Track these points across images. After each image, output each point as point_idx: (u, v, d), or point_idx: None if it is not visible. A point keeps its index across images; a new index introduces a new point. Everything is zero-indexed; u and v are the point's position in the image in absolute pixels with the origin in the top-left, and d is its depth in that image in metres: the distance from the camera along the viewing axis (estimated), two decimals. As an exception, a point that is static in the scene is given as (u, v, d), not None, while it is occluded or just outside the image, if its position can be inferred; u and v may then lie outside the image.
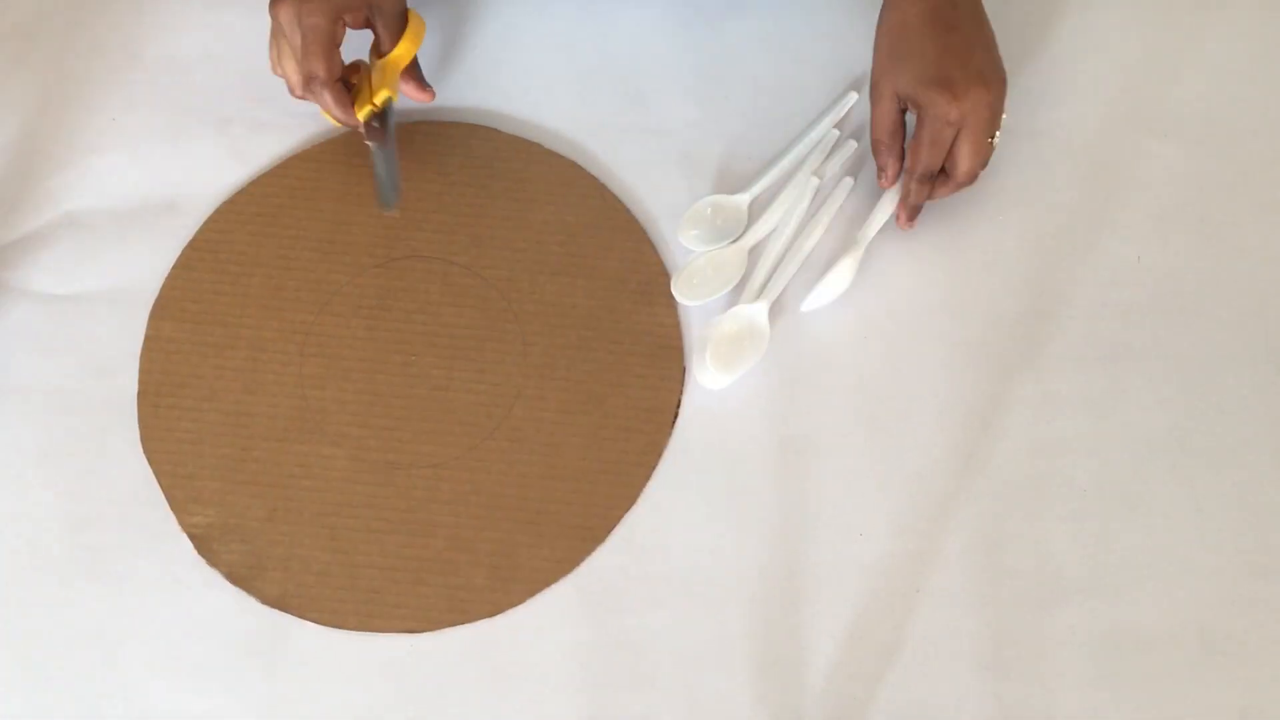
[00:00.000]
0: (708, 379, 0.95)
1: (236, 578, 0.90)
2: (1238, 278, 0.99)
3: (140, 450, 0.94)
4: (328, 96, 0.95)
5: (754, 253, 0.99)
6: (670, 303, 0.97)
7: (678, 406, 0.95)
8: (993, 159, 0.99)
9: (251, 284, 0.98)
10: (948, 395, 0.95)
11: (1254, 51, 1.06)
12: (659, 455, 0.93)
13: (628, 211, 1.01)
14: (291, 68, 0.96)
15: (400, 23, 0.98)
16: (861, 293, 0.97)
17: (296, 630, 0.89)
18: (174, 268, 0.99)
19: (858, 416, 0.94)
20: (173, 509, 0.92)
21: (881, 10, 0.97)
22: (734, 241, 0.99)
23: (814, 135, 1.02)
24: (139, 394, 0.95)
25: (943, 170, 0.97)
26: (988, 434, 0.94)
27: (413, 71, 1.01)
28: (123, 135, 1.04)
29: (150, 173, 1.02)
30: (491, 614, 0.89)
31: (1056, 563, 0.90)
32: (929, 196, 0.97)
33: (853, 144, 1.02)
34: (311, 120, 1.03)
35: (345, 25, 0.95)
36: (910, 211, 0.98)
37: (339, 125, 1.01)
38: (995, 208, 1.00)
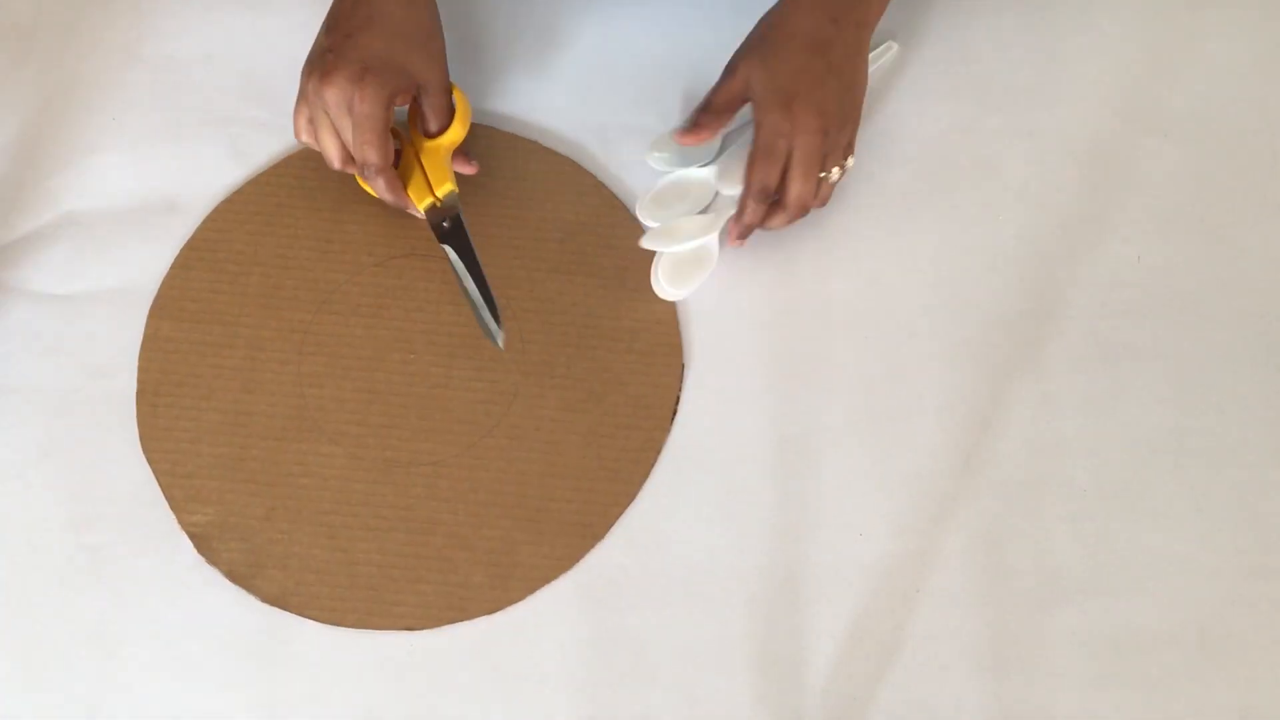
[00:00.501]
0: (660, 291, 0.98)
1: (236, 576, 0.90)
2: (1238, 278, 0.99)
3: (139, 449, 0.94)
4: (381, 183, 0.95)
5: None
6: (669, 300, 0.98)
7: (676, 404, 0.95)
8: (993, 158, 0.99)
9: (250, 283, 0.98)
10: (948, 395, 0.95)
11: (1254, 51, 1.06)
12: (658, 453, 0.93)
13: (626, 209, 1.01)
14: (332, 145, 0.94)
15: (447, 100, 0.97)
16: (862, 292, 0.97)
17: (296, 628, 0.89)
18: (172, 267, 0.99)
19: (858, 416, 0.94)
20: (172, 508, 0.92)
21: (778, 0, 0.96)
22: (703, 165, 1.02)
23: None
24: (138, 393, 0.95)
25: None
26: (988, 434, 0.94)
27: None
28: (122, 135, 1.04)
29: (149, 172, 1.02)
30: (491, 612, 0.89)
31: (1056, 563, 0.90)
32: (762, 222, 0.96)
33: None
34: (311, 120, 1.03)
35: (394, 107, 0.94)
36: (742, 230, 0.96)
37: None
38: (995, 208, 1.00)
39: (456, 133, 0.98)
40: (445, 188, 0.96)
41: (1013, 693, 0.87)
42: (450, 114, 0.97)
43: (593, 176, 1.02)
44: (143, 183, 1.02)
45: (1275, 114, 1.04)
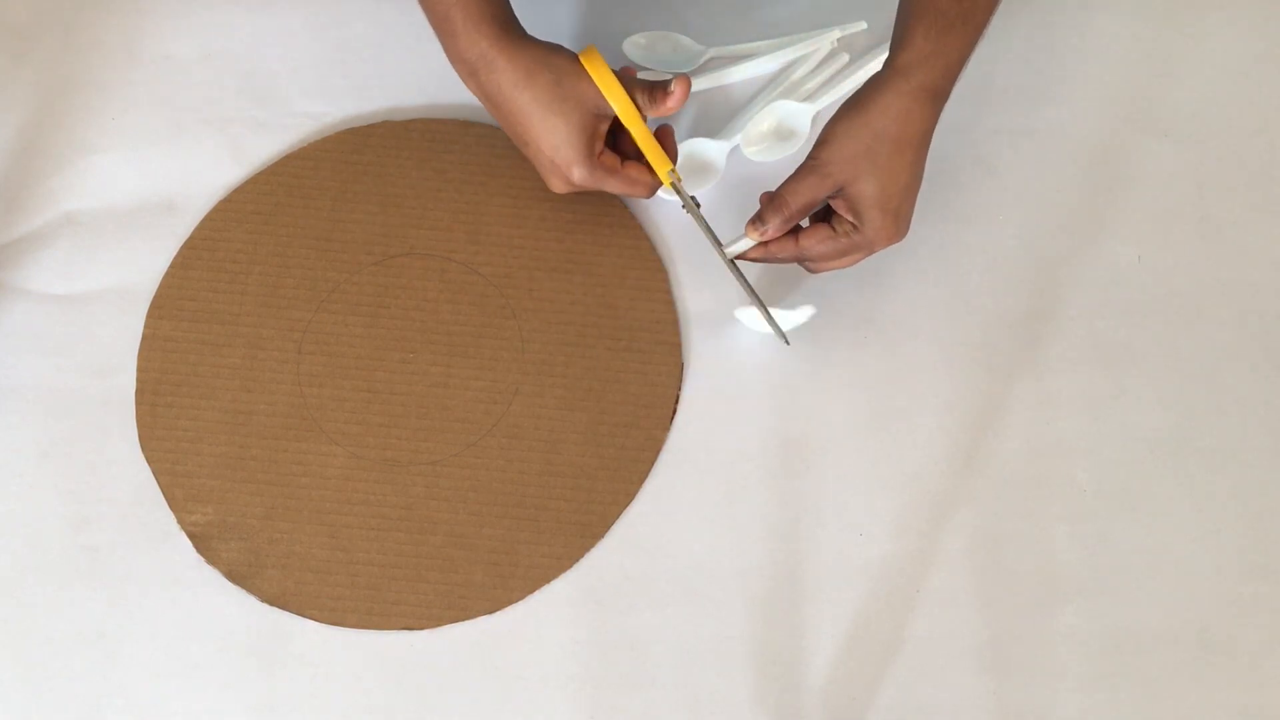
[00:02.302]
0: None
1: (236, 576, 0.90)
2: (1238, 278, 0.99)
3: (139, 449, 0.94)
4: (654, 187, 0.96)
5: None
6: (668, 299, 0.98)
7: (676, 403, 0.95)
8: (993, 158, 0.99)
9: (249, 282, 0.98)
10: (948, 395, 0.95)
11: (1254, 51, 1.06)
12: (657, 452, 0.93)
13: (625, 208, 1.01)
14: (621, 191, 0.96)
15: (624, 105, 0.93)
16: (862, 293, 0.97)
17: (296, 628, 0.89)
18: (171, 266, 0.99)
19: (858, 416, 0.94)
20: (172, 508, 0.92)
21: (878, 85, 0.89)
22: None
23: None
24: (137, 392, 0.95)
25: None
26: (988, 434, 0.94)
27: (646, 100, 0.94)
28: (122, 135, 1.04)
29: (149, 172, 1.02)
30: (491, 611, 0.89)
31: (1056, 563, 0.90)
32: (764, 251, 0.93)
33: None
34: (309, 120, 1.04)
35: (601, 143, 0.93)
36: (761, 250, 0.93)
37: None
38: (995, 208, 1.00)
39: (620, 106, 0.92)
40: (664, 169, 0.94)
41: (1013, 693, 0.87)
42: (633, 95, 0.93)
43: (592, 176, 1.02)
44: (142, 182, 1.02)
45: (1275, 114, 1.04)
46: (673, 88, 0.92)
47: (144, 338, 0.97)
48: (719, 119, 1.04)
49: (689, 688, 0.87)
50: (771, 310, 0.94)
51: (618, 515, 0.92)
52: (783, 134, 1.02)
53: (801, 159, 0.90)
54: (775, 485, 0.92)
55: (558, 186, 0.94)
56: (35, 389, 0.95)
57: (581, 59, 0.92)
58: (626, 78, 0.93)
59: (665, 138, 0.95)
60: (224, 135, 1.03)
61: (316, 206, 1.01)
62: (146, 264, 0.99)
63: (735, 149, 1.02)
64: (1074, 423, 0.94)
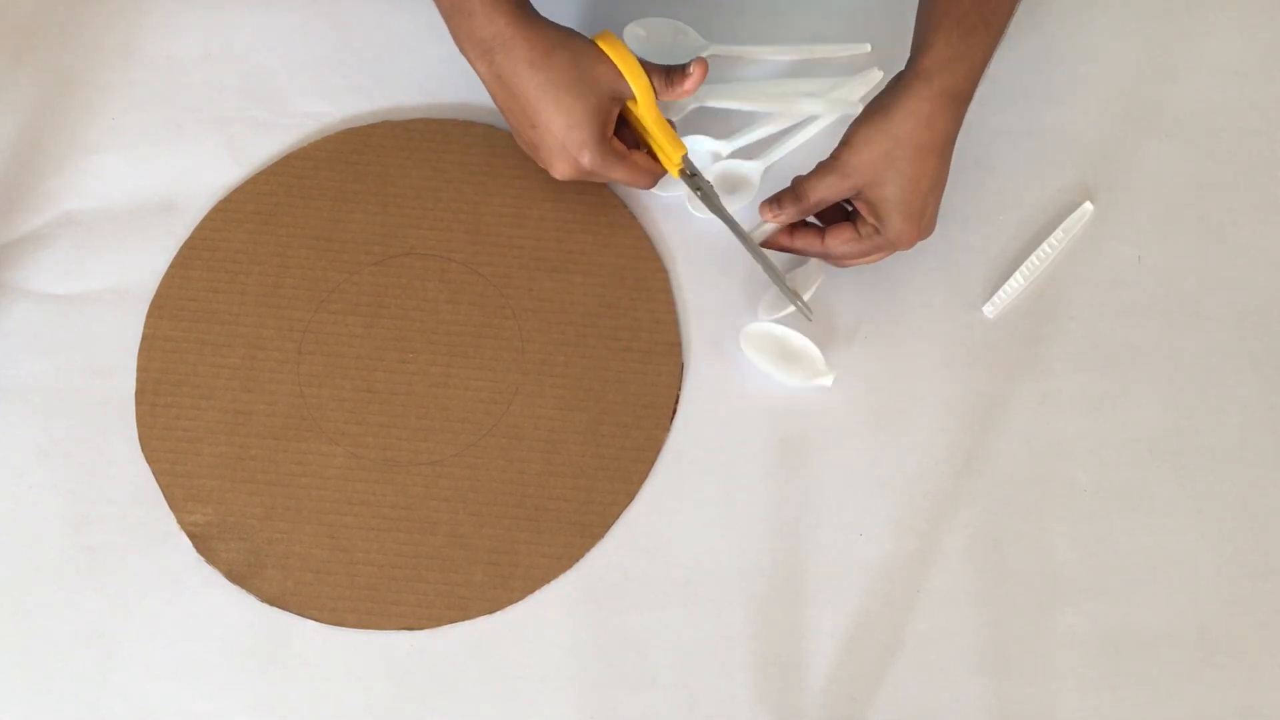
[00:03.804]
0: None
1: (235, 576, 0.90)
2: (1238, 278, 0.99)
3: (139, 449, 0.94)
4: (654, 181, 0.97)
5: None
6: (668, 299, 0.98)
7: (676, 403, 0.95)
8: (993, 159, 0.99)
9: (249, 282, 0.98)
10: (948, 395, 0.95)
11: (1254, 51, 1.06)
12: (657, 451, 0.93)
13: (625, 208, 1.01)
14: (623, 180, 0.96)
15: (640, 81, 0.93)
16: (862, 293, 0.97)
17: (296, 628, 0.89)
18: (171, 266, 0.99)
19: (858, 416, 0.94)
20: (171, 507, 0.92)
21: (900, 89, 0.89)
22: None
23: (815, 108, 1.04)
24: (137, 393, 0.95)
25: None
26: (988, 434, 0.94)
27: (663, 84, 0.95)
28: (122, 135, 1.04)
29: (148, 172, 1.02)
30: (491, 611, 0.89)
31: (1056, 563, 0.90)
32: (789, 241, 0.95)
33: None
34: (309, 119, 1.04)
35: (612, 128, 0.94)
36: (776, 236, 0.95)
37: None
38: (995, 208, 1.00)
39: (639, 90, 0.93)
40: (677, 153, 0.95)
41: (1013, 693, 0.87)
42: (650, 78, 0.93)
43: (593, 176, 1.02)
44: (142, 182, 1.02)
45: (1275, 114, 1.04)
46: (691, 69, 0.93)
47: (144, 338, 0.97)
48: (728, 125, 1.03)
49: (689, 688, 0.87)
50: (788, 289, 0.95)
51: (618, 515, 0.92)
52: (734, 184, 1.01)
53: (751, 211, 0.93)
54: (775, 485, 0.92)
55: (562, 171, 0.94)
56: (35, 389, 0.95)
57: (599, 41, 0.92)
58: (643, 62, 0.93)
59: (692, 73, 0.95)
60: (224, 135, 1.03)
61: (316, 206, 1.01)
62: (146, 264, 0.99)
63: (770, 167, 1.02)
64: (1074, 423, 0.94)
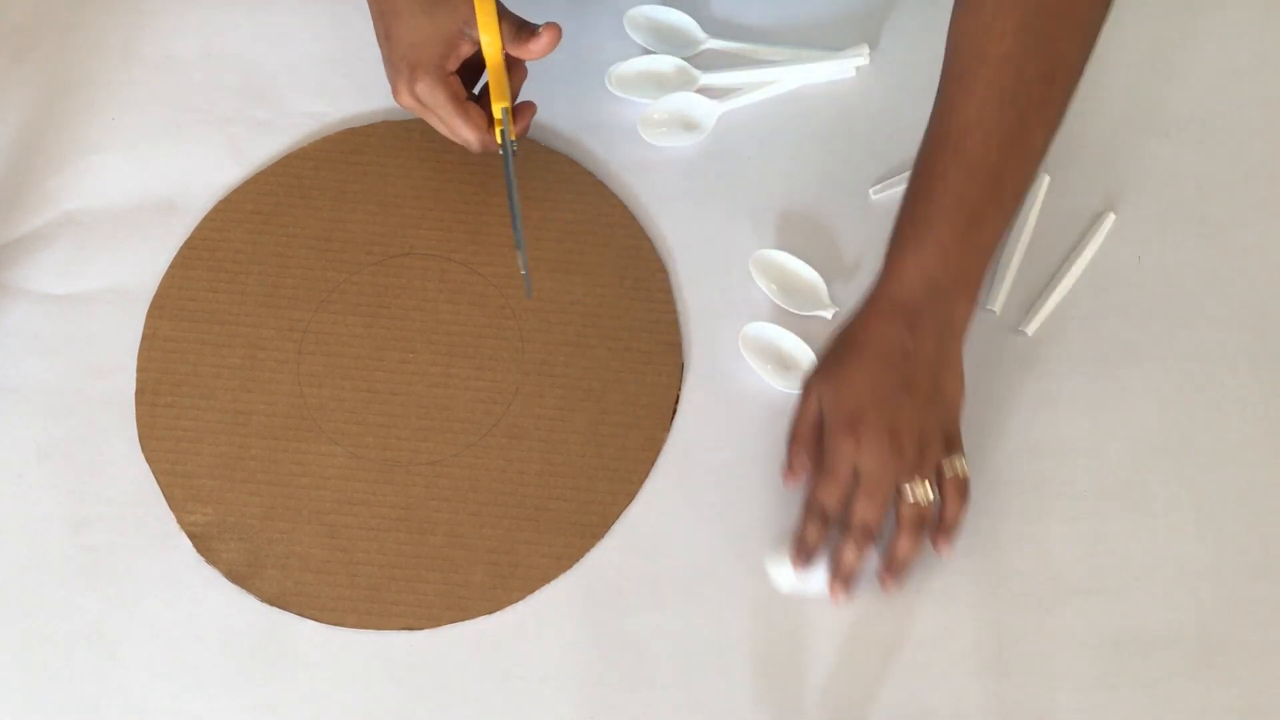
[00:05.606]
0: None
1: (235, 576, 0.90)
2: (1238, 278, 0.99)
3: (139, 449, 0.94)
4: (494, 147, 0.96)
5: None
6: (668, 299, 0.98)
7: (676, 402, 0.95)
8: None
9: (249, 282, 0.98)
10: (947, 395, 0.95)
11: (1254, 51, 1.06)
12: (658, 451, 0.93)
13: (625, 208, 1.01)
14: (449, 134, 0.97)
15: (491, 30, 0.92)
16: (861, 292, 0.97)
17: (295, 628, 0.89)
18: (171, 266, 0.99)
19: (857, 416, 0.94)
20: (171, 507, 0.92)
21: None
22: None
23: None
24: (137, 393, 0.95)
25: None
26: (988, 434, 0.93)
27: (512, 32, 0.93)
28: (122, 135, 1.04)
29: (149, 172, 1.02)
30: (491, 611, 0.89)
31: (1056, 563, 0.90)
32: (860, 558, 0.87)
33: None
34: (309, 119, 1.04)
35: (456, 64, 0.94)
36: (843, 580, 0.87)
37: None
38: (995, 208, 1.00)
39: (486, 40, 0.92)
40: (497, 106, 0.95)
41: (1013, 693, 0.87)
42: (501, 24, 0.92)
43: (592, 176, 1.02)
44: (142, 182, 1.02)
45: (1275, 114, 1.04)
46: (541, 32, 0.93)
47: (144, 338, 0.97)
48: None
49: (689, 688, 0.87)
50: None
51: (618, 515, 0.92)
52: (688, 124, 1.03)
53: (704, 149, 0.97)
54: (775, 485, 0.92)
55: (401, 94, 0.94)
56: (35, 389, 0.96)
57: None
58: (503, 10, 0.93)
59: (524, 108, 0.97)
60: (224, 135, 1.03)
61: (316, 206, 1.01)
62: (146, 264, 0.99)
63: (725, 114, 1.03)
64: (1074, 423, 0.94)
